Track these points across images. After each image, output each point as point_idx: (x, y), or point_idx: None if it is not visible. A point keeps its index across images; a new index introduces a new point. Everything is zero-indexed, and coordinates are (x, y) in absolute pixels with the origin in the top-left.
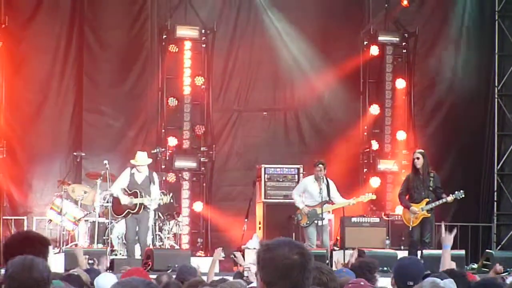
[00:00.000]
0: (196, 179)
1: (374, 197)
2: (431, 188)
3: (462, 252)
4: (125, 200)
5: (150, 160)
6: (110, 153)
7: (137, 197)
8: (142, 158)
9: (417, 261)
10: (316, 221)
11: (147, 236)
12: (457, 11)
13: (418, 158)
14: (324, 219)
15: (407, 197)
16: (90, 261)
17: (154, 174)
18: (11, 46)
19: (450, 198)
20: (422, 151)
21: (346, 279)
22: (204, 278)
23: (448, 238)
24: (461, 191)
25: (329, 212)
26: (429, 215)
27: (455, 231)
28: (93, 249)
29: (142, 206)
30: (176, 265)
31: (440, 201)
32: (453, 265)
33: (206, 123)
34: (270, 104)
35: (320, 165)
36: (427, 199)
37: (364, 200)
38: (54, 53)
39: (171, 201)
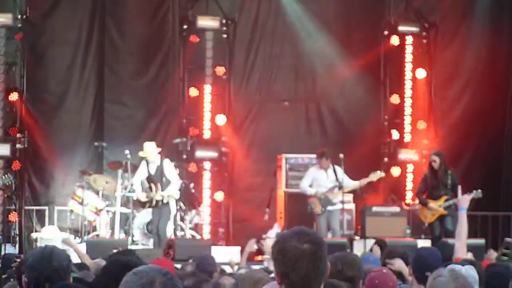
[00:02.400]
0: (217, 169)
1: (383, 174)
2: (449, 186)
3: (482, 241)
4: (141, 196)
5: (157, 150)
6: (132, 144)
7: (151, 192)
8: (148, 149)
9: (436, 251)
10: (328, 207)
11: (167, 227)
12: (479, 1)
13: (435, 161)
14: (336, 204)
15: (425, 195)
16: (115, 250)
17: (165, 162)
18: (33, 37)
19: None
20: (438, 151)
21: (369, 268)
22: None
23: (465, 199)
24: (479, 190)
25: (341, 202)
26: (446, 212)
27: (473, 194)
28: (115, 239)
29: (158, 201)
30: (198, 255)
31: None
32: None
33: (227, 113)
34: (291, 95)
35: (324, 158)
36: (446, 197)
37: (374, 179)
38: (75, 45)
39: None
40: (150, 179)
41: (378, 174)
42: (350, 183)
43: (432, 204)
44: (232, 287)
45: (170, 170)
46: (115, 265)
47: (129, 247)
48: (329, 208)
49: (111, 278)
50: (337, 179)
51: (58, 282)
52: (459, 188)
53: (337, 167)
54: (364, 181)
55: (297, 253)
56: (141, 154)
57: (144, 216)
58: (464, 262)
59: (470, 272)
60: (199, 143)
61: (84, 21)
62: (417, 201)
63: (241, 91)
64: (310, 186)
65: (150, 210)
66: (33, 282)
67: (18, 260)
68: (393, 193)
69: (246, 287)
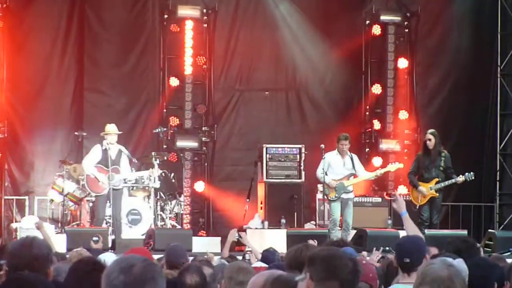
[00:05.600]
0: (197, 159)
1: (401, 165)
2: (441, 168)
3: (465, 232)
4: (103, 178)
5: (119, 132)
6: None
7: (118, 173)
8: (113, 129)
9: (416, 238)
10: (343, 195)
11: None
12: None
13: (430, 140)
14: (351, 191)
15: (416, 176)
16: (95, 238)
17: (123, 148)
18: (12, 25)
19: (460, 179)
20: (434, 131)
21: None
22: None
23: (402, 203)
24: (471, 173)
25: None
26: (437, 195)
27: (465, 176)
28: (95, 229)
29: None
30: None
31: (450, 181)
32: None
33: (207, 102)
34: (271, 84)
35: (345, 140)
36: (437, 179)
37: (392, 170)
38: (55, 33)
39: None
40: (109, 162)
41: (396, 165)
42: (366, 174)
43: (422, 187)
44: (210, 276)
45: (127, 157)
46: (82, 264)
47: (110, 237)
48: (344, 195)
49: (79, 277)
50: (353, 167)
51: (38, 270)
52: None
53: (354, 156)
54: (381, 171)
55: (340, 264)
56: (103, 133)
57: (126, 204)
58: (454, 256)
59: (461, 265)
60: (179, 133)
61: (64, 9)
62: (400, 188)
63: (221, 81)
64: (326, 172)
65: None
66: (13, 270)
67: None
68: (374, 184)
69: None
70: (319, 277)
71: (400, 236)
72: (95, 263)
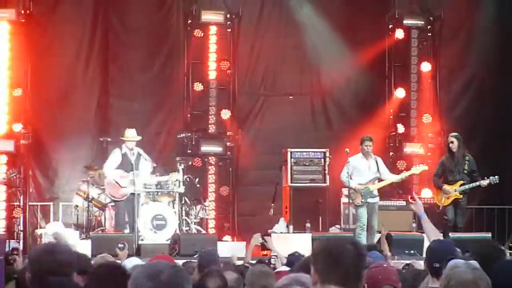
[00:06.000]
0: (222, 164)
1: (426, 167)
2: (466, 171)
3: (489, 234)
4: (125, 183)
5: (139, 137)
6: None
7: (138, 177)
8: (132, 135)
9: (446, 243)
10: (369, 200)
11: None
12: None
13: (452, 142)
14: (377, 196)
15: (441, 180)
16: (121, 245)
17: (142, 151)
18: (36, 32)
19: (485, 182)
20: (457, 134)
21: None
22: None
23: (420, 205)
24: (496, 176)
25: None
26: (461, 196)
27: (489, 180)
28: (120, 234)
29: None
30: (203, 250)
31: (474, 184)
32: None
33: (232, 107)
34: (296, 89)
35: (369, 141)
36: (462, 182)
37: (417, 172)
38: (79, 39)
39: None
40: (130, 166)
41: (421, 167)
42: (392, 177)
43: (447, 187)
44: (235, 281)
45: (148, 160)
46: (102, 269)
47: (136, 242)
48: (369, 200)
49: (99, 282)
50: (378, 170)
51: (61, 276)
52: (415, 195)
53: (378, 158)
54: (406, 173)
55: (341, 251)
56: (124, 138)
57: (150, 210)
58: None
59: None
60: (204, 138)
61: (88, 15)
62: (423, 191)
63: (245, 85)
64: (350, 176)
65: (151, 203)
66: (36, 277)
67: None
68: (399, 187)
69: (253, 280)
70: (323, 269)
71: (424, 239)
72: (116, 268)
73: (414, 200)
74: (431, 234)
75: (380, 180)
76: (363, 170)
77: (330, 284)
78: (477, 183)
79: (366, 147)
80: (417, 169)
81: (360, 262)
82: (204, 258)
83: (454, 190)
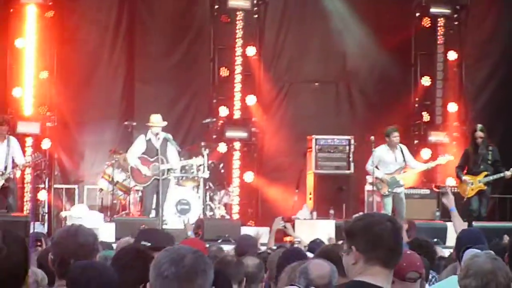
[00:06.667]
0: (246, 149)
1: (452, 158)
2: (489, 162)
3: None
4: (146, 170)
5: (165, 123)
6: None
7: (162, 163)
8: (158, 120)
9: (475, 232)
10: (396, 189)
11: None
12: None
13: (481, 137)
14: (403, 185)
15: (465, 171)
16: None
17: (169, 135)
18: (63, 16)
19: (509, 173)
20: (482, 126)
21: None
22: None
23: (451, 199)
24: None
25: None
26: (485, 187)
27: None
28: (144, 218)
29: (167, 172)
30: (227, 235)
31: (498, 175)
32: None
33: (257, 93)
34: (321, 76)
35: (397, 132)
36: (486, 172)
37: (443, 162)
38: (105, 23)
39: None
40: (155, 152)
41: (447, 157)
42: (418, 166)
43: (467, 177)
44: (257, 266)
45: (174, 145)
46: (124, 253)
47: (160, 227)
48: (396, 190)
49: (121, 266)
50: (404, 160)
51: (84, 259)
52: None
53: (403, 147)
54: (432, 164)
55: (382, 228)
56: (149, 124)
57: (175, 194)
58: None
59: None
60: (229, 123)
61: (114, 0)
62: (448, 180)
63: (271, 72)
64: (377, 166)
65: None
66: (58, 259)
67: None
68: (422, 175)
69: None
70: (365, 248)
71: (448, 228)
72: (138, 252)
73: (446, 193)
74: (459, 229)
75: (406, 169)
76: (389, 161)
77: (375, 264)
78: (501, 174)
79: (395, 138)
80: (443, 159)
81: (401, 240)
82: (242, 243)
83: (478, 181)
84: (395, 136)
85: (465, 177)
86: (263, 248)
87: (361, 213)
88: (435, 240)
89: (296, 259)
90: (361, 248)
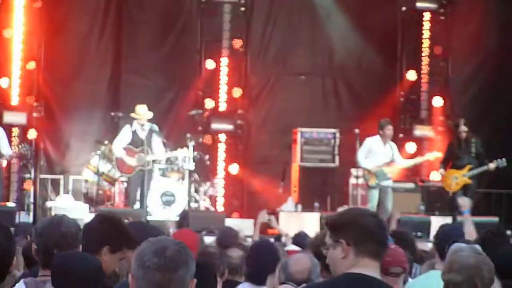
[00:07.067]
0: (232, 142)
1: (439, 154)
2: (473, 155)
3: (496, 219)
4: (131, 161)
5: (151, 114)
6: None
7: (147, 154)
8: (143, 111)
9: (457, 226)
10: (383, 182)
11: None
12: None
13: (465, 132)
14: (390, 178)
15: (449, 165)
16: (126, 221)
17: (155, 126)
18: (51, 7)
19: (492, 165)
20: (465, 121)
21: None
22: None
23: (466, 201)
24: (503, 159)
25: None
26: (471, 181)
27: (496, 162)
28: (128, 210)
29: (152, 163)
30: (212, 226)
31: (482, 169)
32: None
33: (243, 85)
34: (308, 69)
35: (391, 125)
36: (470, 166)
37: (431, 158)
38: (93, 14)
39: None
40: (139, 143)
41: (435, 154)
42: (405, 162)
43: (451, 172)
44: (240, 258)
45: (159, 135)
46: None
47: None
48: (383, 183)
49: (87, 229)
50: (392, 156)
51: (67, 249)
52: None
53: (393, 144)
54: (420, 159)
55: (371, 221)
56: (134, 115)
57: (160, 186)
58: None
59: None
60: (214, 115)
61: None
62: (432, 174)
63: (257, 64)
64: (365, 157)
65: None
66: (42, 249)
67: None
68: (407, 169)
69: None
70: (356, 240)
71: (431, 222)
72: (104, 217)
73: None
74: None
75: (392, 164)
76: (378, 153)
77: (364, 257)
78: (485, 167)
79: (389, 131)
80: (431, 156)
81: (387, 233)
82: (224, 235)
83: (463, 176)
84: (389, 129)
85: (449, 172)
86: (249, 240)
87: (345, 207)
88: (419, 234)
89: (266, 253)
90: (352, 241)
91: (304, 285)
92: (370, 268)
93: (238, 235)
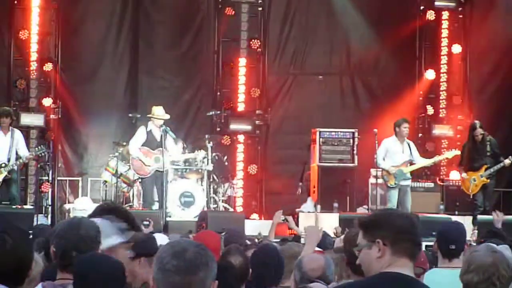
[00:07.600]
0: (250, 142)
1: (458, 152)
2: (488, 153)
3: None
4: (149, 161)
5: (168, 116)
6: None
7: (163, 155)
8: (161, 113)
9: (459, 225)
10: (402, 182)
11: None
12: None
13: (482, 134)
14: (409, 178)
15: (465, 166)
16: (146, 223)
17: (168, 129)
18: (68, 8)
19: (507, 161)
20: (480, 123)
21: None
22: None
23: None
24: None
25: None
26: (488, 180)
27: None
28: (147, 211)
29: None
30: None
31: (498, 166)
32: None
33: (261, 86)
34: (326, 68)
35: (407, 123)
36: (486, 165)
37: (449, 157)
38: (110, 15)
39: None
40: (155, 144)
41: (454, 152)
42: (423, 161)
43: (469, 175)
44: (242, 266)
45: (173, 137)
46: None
47: (164, 219)
48: (402, 182)
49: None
50: (411, 154)
51: (86, 251)
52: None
53: (411, 142)
54: (438, 158)
55: (407, 220)
56: (151, 115)
57: (178, 187)
58: (498, 241)
59: (505, 252)
60: (233, 116)
61: None
62: (452, 173)
63: (275, 64)
64: (384, 158)
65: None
66: (60, 251)
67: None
68: (427, 169)
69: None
70: (394, 240)
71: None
72: (110, 208)
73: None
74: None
75: (411, 163)
76: (396, 152)
77: (401, 257)
78: (501, 164)
79: (406, 129)
80: (449, 154)
81: (421, 234)
82: (230, 236)
83: (480, 176)
84: (405, 127)
85: (467, 175)
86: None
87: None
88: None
89: (266, 258)
90: (389, 241)
91: (334, 283)
92: (407, 268)
93: (244, 235)
